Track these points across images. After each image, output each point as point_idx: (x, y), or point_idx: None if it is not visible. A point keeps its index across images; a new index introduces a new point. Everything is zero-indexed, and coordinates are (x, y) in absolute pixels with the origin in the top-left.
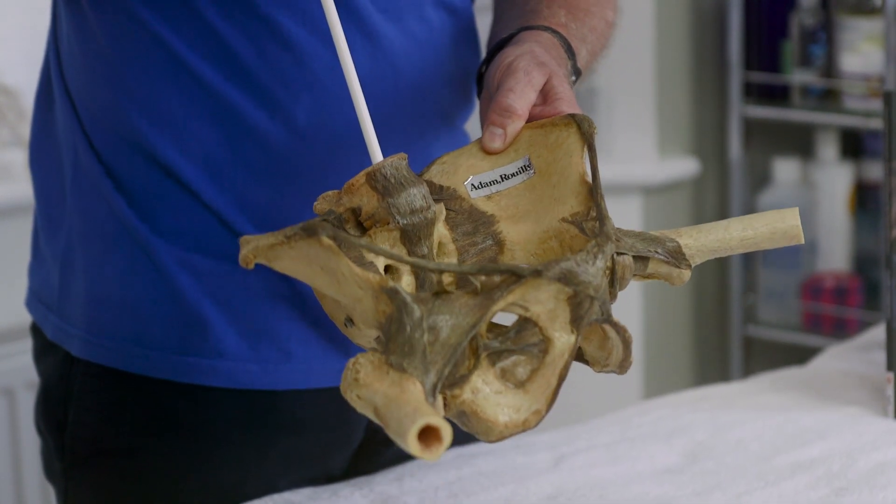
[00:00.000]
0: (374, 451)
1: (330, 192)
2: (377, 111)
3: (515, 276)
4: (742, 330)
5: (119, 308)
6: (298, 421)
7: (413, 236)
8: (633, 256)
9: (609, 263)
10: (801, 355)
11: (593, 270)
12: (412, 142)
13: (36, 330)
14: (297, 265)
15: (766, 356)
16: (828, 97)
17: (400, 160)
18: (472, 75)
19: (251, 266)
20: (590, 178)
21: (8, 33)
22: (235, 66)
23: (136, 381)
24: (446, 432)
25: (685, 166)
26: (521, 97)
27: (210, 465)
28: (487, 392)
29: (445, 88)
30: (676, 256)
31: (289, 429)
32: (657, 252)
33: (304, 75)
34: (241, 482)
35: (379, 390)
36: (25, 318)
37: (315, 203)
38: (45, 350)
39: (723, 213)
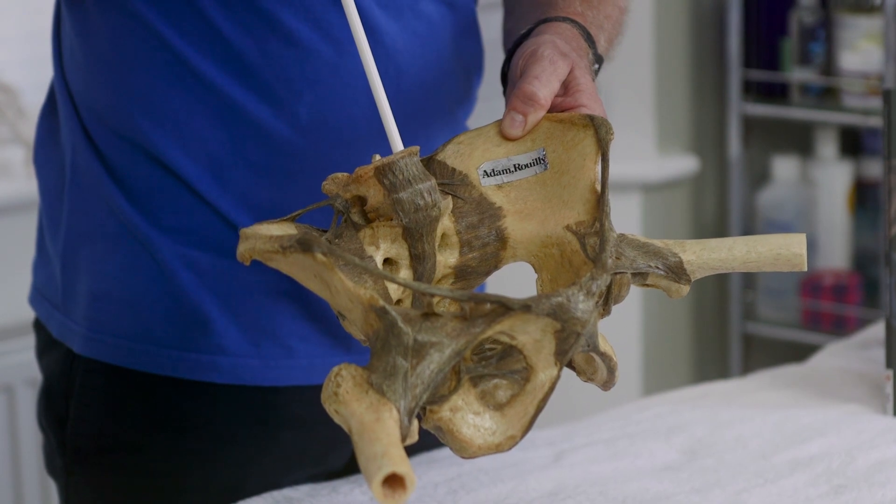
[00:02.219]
0: None
1: (340, 175)
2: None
3: (504, 308)
4: (741, 327)
5: (120, 305)
6: (299, 417)
7: (415, 233)
8: (633, 273)
9: (603, 290)
10: (800, 353)
11: (583, 306)
12: (414, 137)
13: (39, 326)
14: (291, 269)
15: (765, 353)
16: (827, 95)
17: (410, 156)
18: (473, 68)
19: (248, 263)
20: (599, 184)
21: (8, 32)
22: (238, 64)
23: (138, 377)
24: (411, 481)
25: (684, 164)
26: (545, 86)
27: (211, 461)
28: (466, 412)
29: (447, 84)
30: (677, 272)
31: (290, 425)
32: (657, 268)
33: (307, 72)
34: (243, 479)
35: (356, 412)
36: (25, 316)
37: (324, 182)
38: (47, 346)
39: (722, 211)
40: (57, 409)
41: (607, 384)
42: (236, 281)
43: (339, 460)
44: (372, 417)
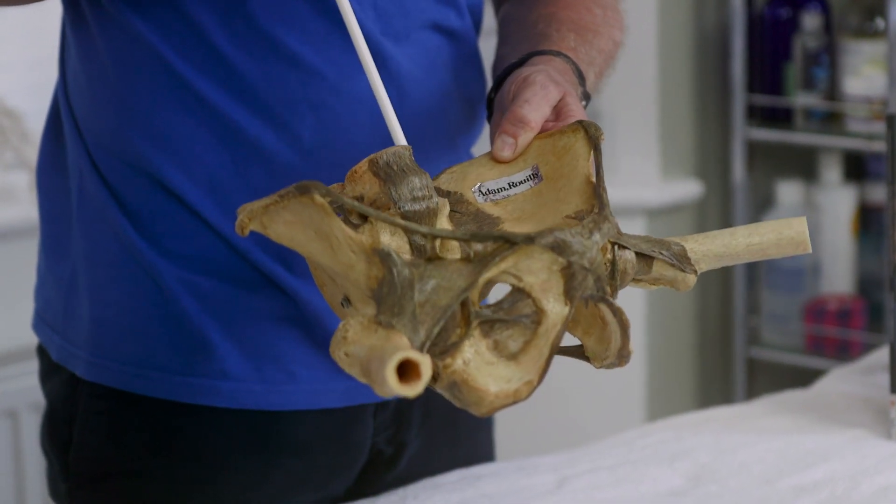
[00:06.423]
0: (377, 474)
1: (336, 185)
2: (382, 134)
3: (508, 244)
4: (745, 352)
5: (123, 329)
6: (301, 443)
7: (415, 222)
8: (637, 254)
9: (608, 245)
10: (804, 378)
11: (588, 243)
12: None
13: (42, 351)
14: (291, 230)
15: (769, 378)
16: (831, 120)
17: (404, 150)
18: (476, 98)
19: (246, 233)
20: (594, 177)
21: (12, 57)
22: (241, 87)
23: (141, 401)
24: (426, 367)
25: (688, 189)
26: (535, 109)
27: (214, 486)
28: (479, 362)
29: (450, 111)
30: (681, 260)
31: (292, 450)
32: (662, 253)
33: (309, 95)
34: (245, 503)
35: (365, 344)
36: (29, 340)
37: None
38: (50, 371)
39: None
40: (60, 433)
41: (622, 352)
42: (239, 306)
43: (342, 486)
44: (382, 342)
